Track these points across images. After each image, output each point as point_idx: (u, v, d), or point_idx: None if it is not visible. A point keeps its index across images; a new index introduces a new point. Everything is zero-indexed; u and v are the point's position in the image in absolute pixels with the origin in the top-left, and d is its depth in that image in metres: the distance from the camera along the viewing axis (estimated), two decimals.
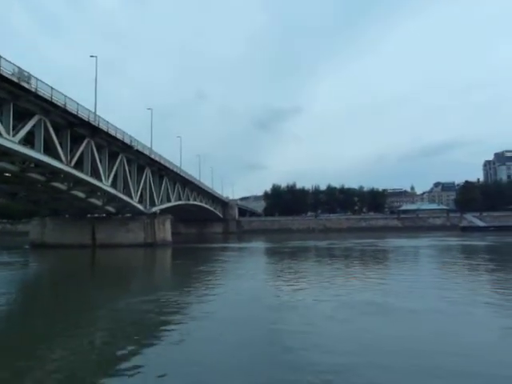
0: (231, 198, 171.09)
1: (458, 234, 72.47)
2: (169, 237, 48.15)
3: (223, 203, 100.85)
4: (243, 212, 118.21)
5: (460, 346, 8.69)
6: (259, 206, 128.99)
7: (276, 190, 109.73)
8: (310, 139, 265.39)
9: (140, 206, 45.20)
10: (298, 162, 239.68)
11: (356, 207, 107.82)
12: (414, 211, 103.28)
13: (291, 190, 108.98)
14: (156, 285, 20.20)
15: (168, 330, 10.21)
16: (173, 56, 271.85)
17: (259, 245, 54.26)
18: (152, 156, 45.03)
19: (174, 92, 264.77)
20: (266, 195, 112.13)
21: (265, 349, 8.40)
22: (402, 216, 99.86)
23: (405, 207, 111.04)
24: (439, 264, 27.49)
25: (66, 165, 30.15)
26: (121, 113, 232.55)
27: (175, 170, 53.96)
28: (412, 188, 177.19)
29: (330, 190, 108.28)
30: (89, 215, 47.43)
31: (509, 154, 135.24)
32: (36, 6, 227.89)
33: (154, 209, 49.17)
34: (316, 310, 12.17)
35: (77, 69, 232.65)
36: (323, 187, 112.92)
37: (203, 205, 77.47)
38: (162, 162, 48.59)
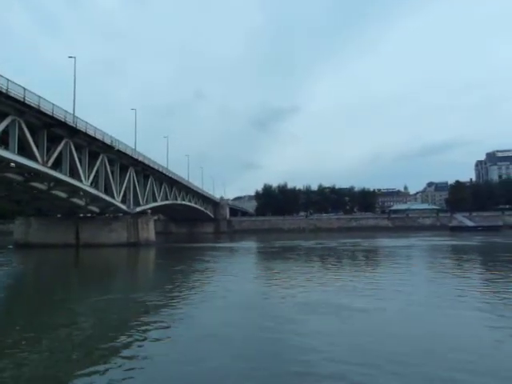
0: (226, 197, 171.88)
1: (446, 234, 72.86)
2: (152, 236, 48.35)
3: (214, 203, 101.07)
4: (235, 212, 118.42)
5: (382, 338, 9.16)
6: (252, 206, 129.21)
7: (267, 189, 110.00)
8: (307, 139, 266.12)
9: (123, 206, 45.39)
10: (296, 162, 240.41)
11: (347, 207, 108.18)
12: (404, 211, 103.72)
13: (282, 190, 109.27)
14: (127, 285, 20.41)
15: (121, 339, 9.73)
16: (172, 56, 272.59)
17: (245, 245, 54.49)
18: (135, 156, 45.23)
19: (172, 91, 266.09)
20: (258, 195, 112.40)
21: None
22: (393, 216, 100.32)
23: (395, 207, 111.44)
24: (409, 264, 27.81)
25: (42, 165, 30.32)
26: (120, 112, 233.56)
27: (161, 169, 54.16)
28: (405, 188, 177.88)
29: (321, 190, 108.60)
30: (74, 215, 47.55)
31: (500, 154, 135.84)
32: (36, 5, 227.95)
33: (139, 208, 49.38)
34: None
35: (76, 69, 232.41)
36: (320, 187, 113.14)
37: (192, 204, 77.67)
38: (146, 161, 48.78)
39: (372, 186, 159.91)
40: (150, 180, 53.22)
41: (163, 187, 59.56)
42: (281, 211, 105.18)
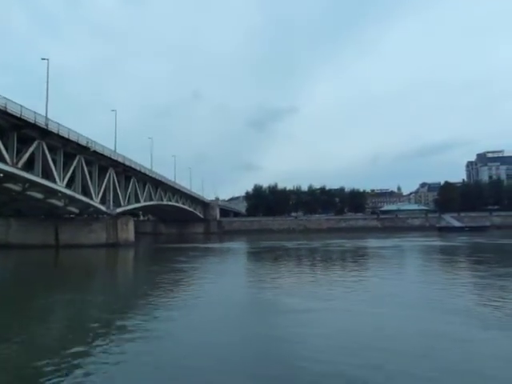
0: (221, 198, 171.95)
1: (433, 235, 73.18)
2: (132, 237, 48.48)
3: (204, 204, 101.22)
4: (227, 212, 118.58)
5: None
6: (245, 207, 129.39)
7: (258, 190, 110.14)
8: (306, 139, 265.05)
9: (102, 207, 45.52)
10: (295, 163, 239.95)
11: (337, 208, 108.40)
12: (393, 212, 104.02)
13: (273, 191, 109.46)
14: (91, 287, 20.59)
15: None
16: (170, 56, 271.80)
17: (230, 245, 54.56)
18: (113, 157, 45.36)
19: (170, 91, 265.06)
20: (248, 196, 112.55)
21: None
22: (382, 217, 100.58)
23: (385, 208, 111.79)
24: (377, 264, 27.98)
25: (12, 166, 30.46)
26: (118, 112, 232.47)
27: (143, 170, 54.29)
28: (399, 188, 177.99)
29: (312, 191, 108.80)
30: (53, 216, 47.65)
31: (490, 155, 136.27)
32: (35, 5, 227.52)
33: (120, 209, 49.52)
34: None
35: (75, 69, 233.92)
36: (310, 188, 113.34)
37: (179, 205, 77.80)
38: (127, 163, 48.94)
39: (370, 186, 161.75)
40: (131, 181, 53.32)
41: (147, 188, 59.68)
42: (271, 212, 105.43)
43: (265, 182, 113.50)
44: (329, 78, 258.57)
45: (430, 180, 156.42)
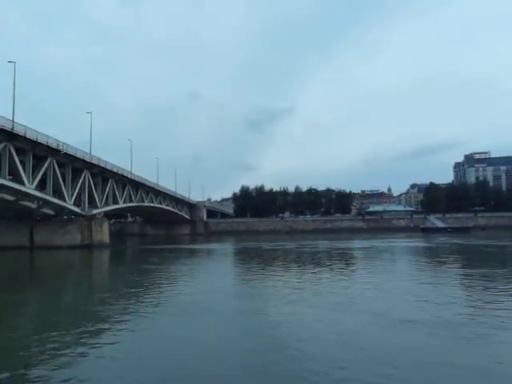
0: (214, 199, 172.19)
1: (416, 236, 73.69)
2: (106, 239, 48.69)
3: (190, 205, 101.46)
4: (214, 214, 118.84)
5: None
6: (233, 208, 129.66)
7: (245, 191, 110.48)
8: (303, 140, 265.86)
9: (76, 209, 45.72)
10: (292, 163, 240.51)
11: (323, 209, 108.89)
12: (379, 213, 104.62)
13: (259, 192, 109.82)
14: (51, 288, 20.73)
15: None
16: (168, 56, 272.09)
17: (210, 246, 54.66)
18: (87, 159, 45.55)
19: (168, 92, 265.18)
20: (235, 197, 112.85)
21: None
22: (367, 218, 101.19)
23: (371, 209, 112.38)
24: (341, 265, 28.22)
25: None
26: (115, 112, 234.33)
27: (120, 172, 54.46)
28: (389, 189, 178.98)
29: (298, 192, 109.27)
30: (28, 217, 47.76)
31: (477, 157, 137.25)
32: (31, 5, 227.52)
33: (96, 211, 49.68)
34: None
35: (71, 69, 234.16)
36: (296, 189, 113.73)
37: (162, 206, 78.00)
38: (102, 164, 49.14)
39: (366, 187, 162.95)
40: (109, 183, 53.53)
41: (127, 190, 59.89)
42: (258, 213, 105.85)
43: (262, 183, 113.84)
44: (326, 79, 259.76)
45: (426, 181, 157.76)
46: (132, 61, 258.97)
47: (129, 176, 58.17)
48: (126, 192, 59.56)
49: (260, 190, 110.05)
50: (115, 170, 52.80)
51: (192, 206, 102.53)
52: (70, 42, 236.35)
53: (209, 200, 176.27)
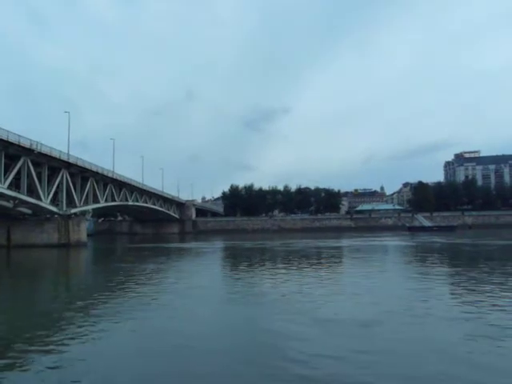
0: (207, 198, 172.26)
1: (401, 234, 74.15)
2: (84, 238, 48.81)
3: (179, 204, 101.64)
4: (204, 213, 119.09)
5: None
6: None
7: (234, 190, 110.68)
8: (299, 140, 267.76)
9: (53, 208, 45.82)
10: (288, 163, 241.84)
11: (312, 207, 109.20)
12: (368, 211, 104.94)
13: (249, 191, 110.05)
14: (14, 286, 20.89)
15: None
16: (165, 56, 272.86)
17: (194, 245, 54.51)
18: (63, 158, 45.65)
19: (165, 92, 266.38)
20: (225, 196, 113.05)
21: None
22: (355, 216, 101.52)
23: (360, 207, 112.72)
24: (302, 265, 28.44)
25: None
26: (113, 113, 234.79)
27: (100, 171, 54.55)
28: (382, 188, 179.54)
29: (287, 191, 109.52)
30: (5, 216, 47.85)
31: (467, 156, 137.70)
32: (27, 5, 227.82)
33: (75, 210, 49.78)
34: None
35: (68, 70, 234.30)
36: (285, 188, 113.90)
37: (148, 205, 78.13)
38: (80, 163, 49.23)
39: (362, 186, 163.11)
40: (89, 182, 53.63)
41: (109, 189, 60.00)
42: (248, 212, 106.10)
43: (259, 183, 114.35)
44: (321, 80, 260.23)
45: (415, 180, 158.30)
46: (129, 60, 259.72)
47: (110, 175, 58.26)
48: (107, 191, 59.66)
49: (249, 189, 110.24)
50: (95, 169, 52.88)
51: (181, 205, 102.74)
52: (67, 40, 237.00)
53: (203, 199, 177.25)
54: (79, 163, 48.99)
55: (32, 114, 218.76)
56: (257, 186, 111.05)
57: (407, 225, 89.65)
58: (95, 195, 55.79)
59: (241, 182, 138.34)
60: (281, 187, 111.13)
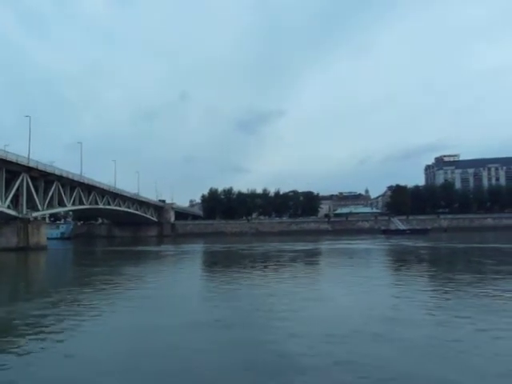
0: (197, 201, 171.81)
1: (376, 237, 74.64)
2: (43, 241, 48.83)
3: (157, 207, 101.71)
4: (185, 216, 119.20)
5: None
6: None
7: (213, 193, 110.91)
8: (293, 141, 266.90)
9: (11, 212, 45.89)
10: (282, 165, 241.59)
11: (291, 211, 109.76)
12: (345, 215, 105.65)
13: (228, 194, 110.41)
14: None
15: None
16: (159, 57, 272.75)
17: (162, 248, 54.55)
18: (21, 162, 45.74)
19: (160, 93, 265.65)
20: (204, 199, 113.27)
21: None
22: (332, 220, 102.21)
23: (338, 211, 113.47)
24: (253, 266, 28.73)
25: None
26: (107, 114, 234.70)
27: (64, 175, 54.62)
28: (366, 191, 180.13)
29: (266, 195, 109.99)
30: None
31: (446, 159, 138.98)
32: (23, 8, 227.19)
33: (36, 214, 49.84)
34: None
35: (63, 71, 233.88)
36: (264, 191, 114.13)
37: (121, 208, 78.18)
38: (41, 167, 49.30)
39: (355, 188, 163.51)
40: (54, 185, 53.68)
41: (76, 192, 60.04)
42: (228, 215, 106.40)
43: (253, 185, 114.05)
44: (317, 81, 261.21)
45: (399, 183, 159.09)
46: (123, 62, 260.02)
47: (76, 179, 58.33)
48: (75, 194, 59.71)
49: (228, 193, 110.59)
50: (58, 173, 52.95)
51: (159, 208, 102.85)
52: (61, 43, 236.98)
53: (191, 201, 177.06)
54: (40, 167, 49.07)
55: (27, 114, 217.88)
56: (230, 189, 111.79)
57: (382, 228, 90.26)
58: (61, 199, 55.84)
59: (235, 184, 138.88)
60: (268, 190, 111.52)
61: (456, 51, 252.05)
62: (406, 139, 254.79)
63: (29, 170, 47.85)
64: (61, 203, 56.22)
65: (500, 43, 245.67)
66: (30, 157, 47.90)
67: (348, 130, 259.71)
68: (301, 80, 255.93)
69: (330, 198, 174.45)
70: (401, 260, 32.25)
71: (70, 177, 56.16)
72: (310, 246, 51.89)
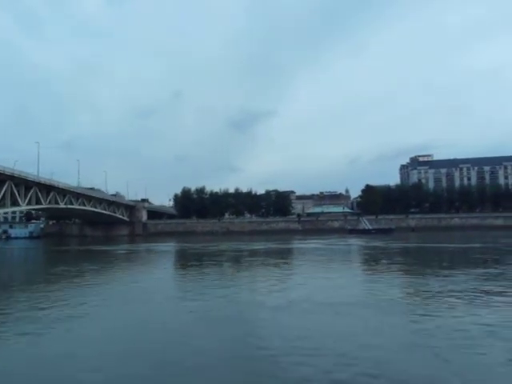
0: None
1: (342, 237, 75.31)
2: None
3: (128, 206, 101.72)
4: (159, 215, 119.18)
5: None
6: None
7: (186, 193, 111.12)
8: (285, 141, 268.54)
9: None
10: (274, 164, 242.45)
11: (263, 210, 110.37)
12: (316, 214, 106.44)
13: (200, 194, 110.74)
14: None
15: None
16: (154, 57, 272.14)
17: (120, 247, 54.67)
18: None
19: (154, 92, 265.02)
20: (176, 198, 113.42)
21: None
22: (302, 219, 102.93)
23: (310, 210, 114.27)
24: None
25: None
26: (101, 113, 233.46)
27: (16, 174, 54.60)
28: (346, 191, 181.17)
29: (238, 194, 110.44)
30: None
31: (421, 159, 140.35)
32: (17, 5, 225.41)
33: None
34: None
35: (59, 69, 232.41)
36: (236, 191, 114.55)
37: (85, 208, 78.17)
38: None
39: (344, 188, 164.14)
40: (6, 185, 53.66)
41: (33, 192, 60.01)
42: (201, 214, 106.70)
43: (245, 184, 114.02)
44: (312, 81, 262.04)
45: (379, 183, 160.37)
46: (118, 61, 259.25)
47: (31, 178, 58.32)
48: (31, 194, 59.68)
49: (201, 192, 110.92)
50: (9, 173, 52.95)
51: (131, 208, 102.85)
52: (57, 42, 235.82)
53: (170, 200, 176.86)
54: None
55: (22, 113, 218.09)
56: (202, 188, 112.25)
57: (348, 227, 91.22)
58: (14, 198, 55.83)
59: (227, 184, 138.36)
60: (232, 190, 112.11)
61: (456, 51, 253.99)
62: (399, 139, 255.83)
63: None
64: (15, 203, 56.23)
65: (500, 43, 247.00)
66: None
67: (343, 129, 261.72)
68: (295, 80, 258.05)
69: (311, 197, 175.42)
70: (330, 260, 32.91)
71: (23, 176, 56.13)
72: (269, 245, 52.09)
